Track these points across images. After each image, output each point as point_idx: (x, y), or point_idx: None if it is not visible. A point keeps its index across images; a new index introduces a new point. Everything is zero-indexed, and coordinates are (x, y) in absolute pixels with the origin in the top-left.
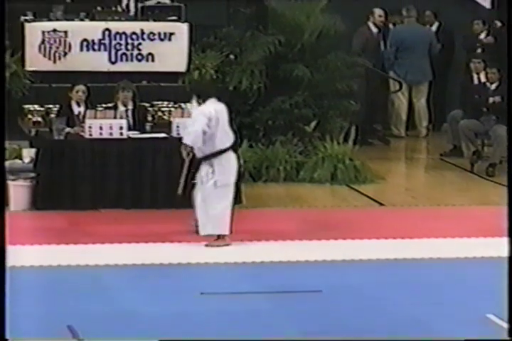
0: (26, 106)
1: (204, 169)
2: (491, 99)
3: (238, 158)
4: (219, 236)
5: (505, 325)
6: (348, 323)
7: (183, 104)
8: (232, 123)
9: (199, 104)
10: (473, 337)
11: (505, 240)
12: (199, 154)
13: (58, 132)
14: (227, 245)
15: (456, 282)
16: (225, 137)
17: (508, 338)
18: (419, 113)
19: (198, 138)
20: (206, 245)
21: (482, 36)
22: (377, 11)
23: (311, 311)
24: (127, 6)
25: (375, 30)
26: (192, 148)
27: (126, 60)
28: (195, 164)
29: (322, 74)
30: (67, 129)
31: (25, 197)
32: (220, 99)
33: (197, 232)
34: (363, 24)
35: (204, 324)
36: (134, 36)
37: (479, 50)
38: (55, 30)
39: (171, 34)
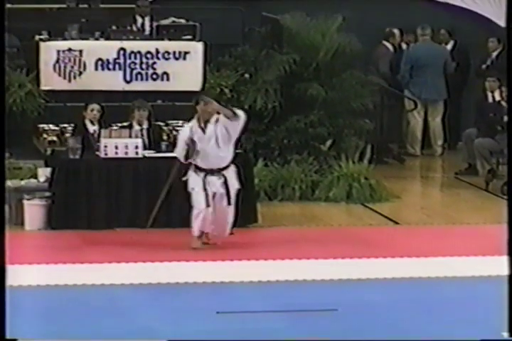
0: (41, 125)
1: (215, 181)
2: (505, 118)
3: (237, 167)
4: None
5: None
6: None
7: None
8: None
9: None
10: None
11: None
12: (207, 166)
13: (73, 152)
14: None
15: (472, 301)
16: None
17: (510, 338)
18: (434, 131)
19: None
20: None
21: (495, 54)
22: (396, 32)
23: (326, 330)
24: (142, 25)
25: (391, 49)
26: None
27: (141, 79)
28: (204, 175)
29: (337, 93)
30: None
31: (40, 216)
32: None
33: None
34: (379, 44)
35: None
36: (148, 55)
37: (489, 67)
38: (70, 49)
39: (186, 53)
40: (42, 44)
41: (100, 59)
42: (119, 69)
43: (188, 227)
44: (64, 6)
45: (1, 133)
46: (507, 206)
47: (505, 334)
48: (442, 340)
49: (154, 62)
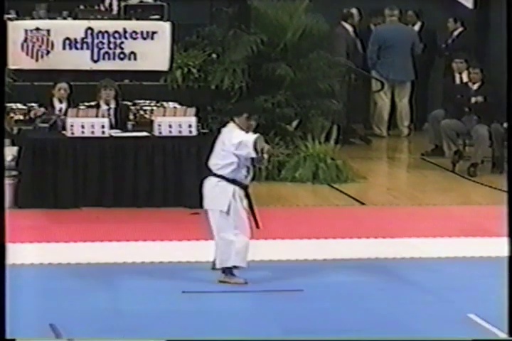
0: (8, 104)
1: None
2: (473, 99)
3: None
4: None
5: (486, 325)
6: (330, 322)
7: (165, 103)
8: None
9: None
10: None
11: (486, 240)
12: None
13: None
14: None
15: (437, 281)
16: None
17: (509, 338)
18: (401, 112)
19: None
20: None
21: (455, 34)
22: (355, 12)
23: (292, 310)
24: (110, 4)
25: (351, 29)
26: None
27: (109, 58)
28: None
29: (304, 74)
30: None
31: (7, 195)
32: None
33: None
34: (338, 25)
35: (186, 323)
36: (116, 35)
37: (448, 46)
38: (37, 29)
39: (154, 33)
40: (10, 23)
41: (68, 38)
42: (87, 48)
43: (152, 207)
44: None
45: (0, 117)
46: (507, 187)
47: (472, 316)
48: (438, 340)
49: (122, 42)
